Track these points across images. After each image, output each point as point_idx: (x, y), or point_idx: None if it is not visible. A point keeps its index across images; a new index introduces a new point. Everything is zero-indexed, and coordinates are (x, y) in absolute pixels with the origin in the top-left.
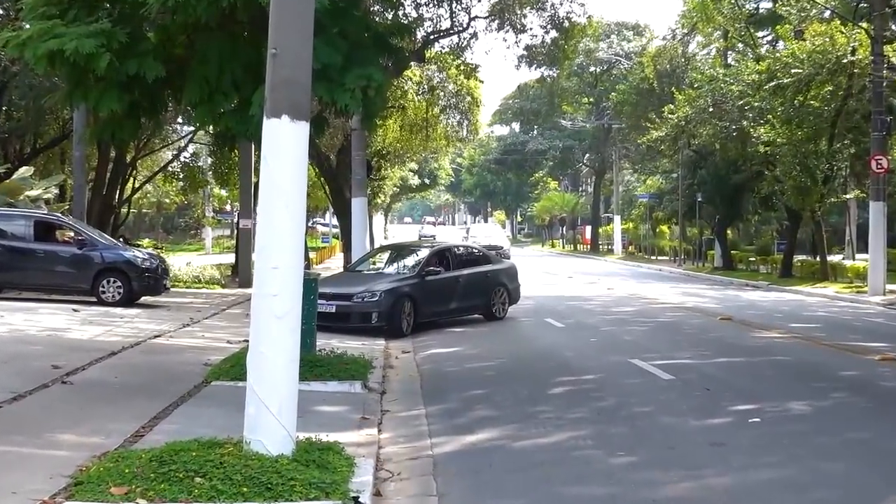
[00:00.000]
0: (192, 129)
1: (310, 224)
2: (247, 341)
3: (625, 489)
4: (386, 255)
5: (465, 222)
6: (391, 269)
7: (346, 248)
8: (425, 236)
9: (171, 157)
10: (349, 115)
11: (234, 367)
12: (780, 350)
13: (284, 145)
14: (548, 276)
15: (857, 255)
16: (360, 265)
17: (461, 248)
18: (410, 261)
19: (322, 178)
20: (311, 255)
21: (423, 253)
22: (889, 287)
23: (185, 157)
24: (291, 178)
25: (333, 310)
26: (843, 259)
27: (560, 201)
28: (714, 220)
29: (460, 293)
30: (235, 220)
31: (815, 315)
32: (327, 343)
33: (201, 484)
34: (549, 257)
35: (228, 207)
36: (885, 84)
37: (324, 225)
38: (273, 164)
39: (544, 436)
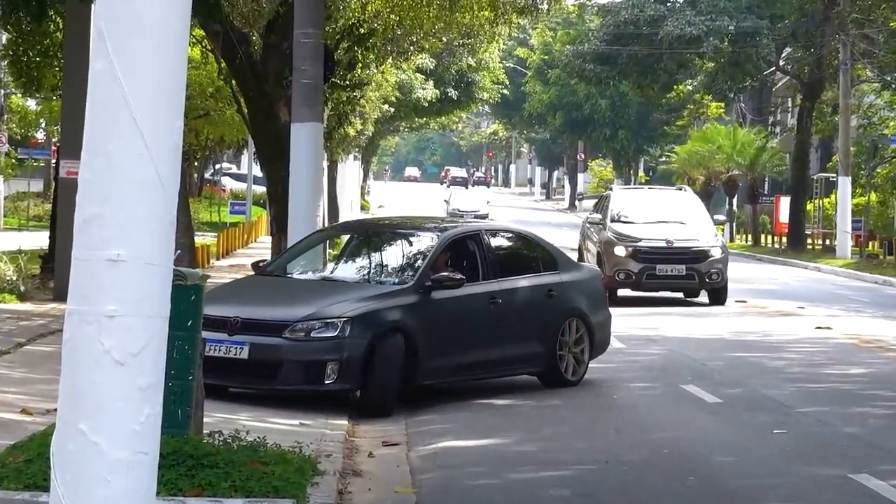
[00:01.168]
0: None
1: (209, 175)
2: (56, 411)
3: None
4: (352, 244)
5: (531, 180)
6: (358, 274)
7: (282, 227)
8: (459, 212)
9: None
10: None
11: (31, 462)
12: None
13: (140, 7)
14: (692, 301)
15: None
16: (297, 262)
17: (500, 236)
18: (399, 256)
19: (234, 82)
20: (208, 238)
21: (427, 240)
22: None
23: None
24: (155, 71)
25: (245, 354)
26: None
27: (728, 144)
28: None
29: (498, 327)
30: (54, 161)
31: None
32: (228, 419)
33: None
34: None
35: (40, 137)
36: None
37: (236, 177)
38: (117, 41)
39: None
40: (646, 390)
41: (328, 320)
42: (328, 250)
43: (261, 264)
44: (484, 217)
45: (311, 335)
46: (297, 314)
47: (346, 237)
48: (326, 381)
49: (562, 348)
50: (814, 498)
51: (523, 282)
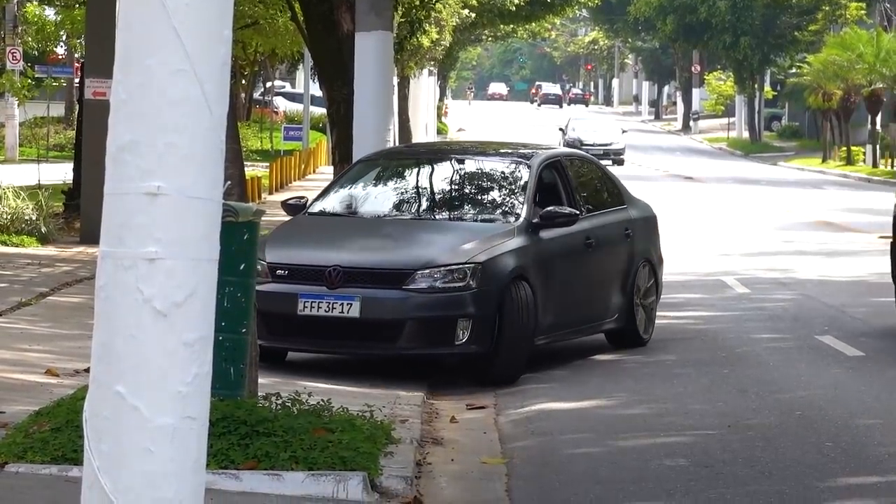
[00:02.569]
0: None
1: (260, 95)
2: (87, 371)
3: None
4: (419, 174)
5: (637, 97)
6: (449, 211)
7: (345, 155)
8: (583, 145)
9: None
10: None
11: (59, 431)
12: None
13: None
14: (830, 238)
15: None
16: (355, 198)
17: (575, 163)
18: (488, 188)
19: None
20: (260, 169)
21: (513, 168)
22: None
23: None
24: None
25: (356, 311)
26: None
27: (871, 52)
28: None
29: (593, 274)
30: (77, 82)
31: None
32: (287, 381)
33: None
34: (837, 191)
35: (62, 53)
36: None
37: (292, 98)
38: None
39: None
40: (774, 342)
41: (453, 267)
42: (374, 178)
43: (291, 202)
44: (619, 153)
45: (438, 285)
46: (416, 259)
47: (395, 163)
48: (456, 343)
49: (637, 301)
50: None
51: (608, 218)
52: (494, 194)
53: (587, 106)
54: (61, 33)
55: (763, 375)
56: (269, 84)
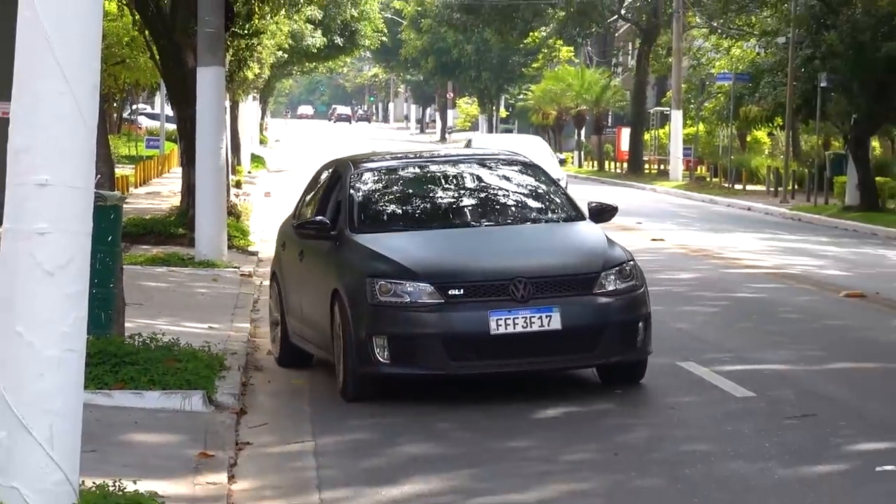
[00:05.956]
0: None
1: (126, 114)
2: None
3: None
4: (425, 180)
5: (407, 116)
6: (510, 214)
7: (188, 160)
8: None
9: None
10: None
11: None
12: None
13: None
14: None
15: None
16: (380, 211)
17: None
18: (515, 190)
19: (146, 31)
20: (126, 170)
21: (518, 168)
22: None
23: None
24: (74, 20)
25: (557, 323)
26: None
27: (577, 84)
28: (848, 124)
29: None
30: None
31: None
32: (147, 324)
33: None
34: None
35: None
36: None
37: (150, 116)
38: None
39: (518, 489)
40: None
41: (624, 267)
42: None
43: (311, 225)
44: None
45: (620, 287)
46: (593, 263)
47: (405, 174)
48: (637, 346)
49: None
50: (648, 382)
51: None
52: (533, 195)
53: (370, 122)
54: None
55: None
56: (134, 106)
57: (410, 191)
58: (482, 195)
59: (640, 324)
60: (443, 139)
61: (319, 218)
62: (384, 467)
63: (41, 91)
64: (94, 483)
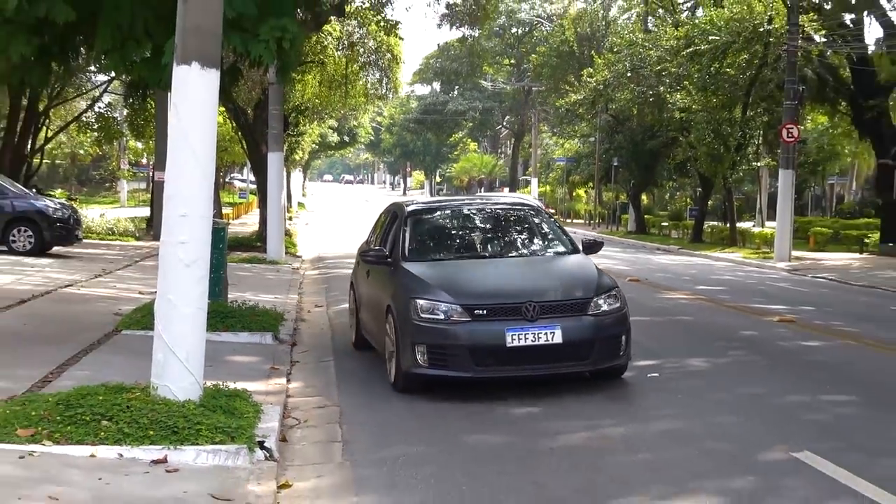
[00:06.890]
0: (107, 78)
1: (227, 179)
2: (155, 293)
3: (524, 438)
4: (451, 223)
5: (385, 182)
6: (523, 248)
7: (262, 204)
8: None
9: (85, 107)
10: (265, 67)
11: (145, 316)
12: (684, 311)
13: (193, 93)
14: None
15: (767, 223)
16: (419, 250)
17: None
18: (521, 228)
19: (239, 133)
20: (227, 210)
21: (523, 210)
22: (794, 253)
23: (100, 108)
24: (201, 125)
25: (559, 337)
26: (754, 226)
27: (479, 163)
28: (629, 185)
29: None
30: (151, 173)
31: (722, 279)
32: (240, 295)
33: (108, 427)
34: None
35: (144, 160)
36: (799, 54)
37: (241, 181)
38: (182, 111)
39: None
40: None
41: (611, 293)
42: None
43: (368, 250)
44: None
45: (607, 308)
46: (587, 289)
47: (440, 217)
48: (620, 354)
49: None
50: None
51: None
52: (540, 233)
53: (363, 184)
54: (143, 152)
55: None
56: (231, 174)
57: (447, 229)
58: (501, 233)
59: (623, 337)
60: (404, 193)
61: (378, 247)
62: (377, 378)
63: (182, 164)
64: (211, 384)
